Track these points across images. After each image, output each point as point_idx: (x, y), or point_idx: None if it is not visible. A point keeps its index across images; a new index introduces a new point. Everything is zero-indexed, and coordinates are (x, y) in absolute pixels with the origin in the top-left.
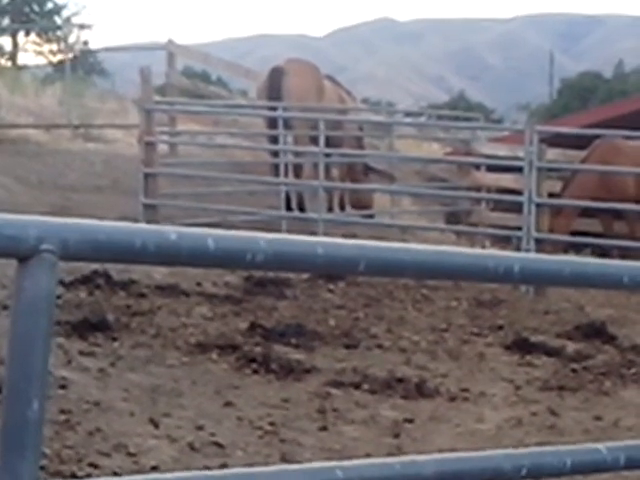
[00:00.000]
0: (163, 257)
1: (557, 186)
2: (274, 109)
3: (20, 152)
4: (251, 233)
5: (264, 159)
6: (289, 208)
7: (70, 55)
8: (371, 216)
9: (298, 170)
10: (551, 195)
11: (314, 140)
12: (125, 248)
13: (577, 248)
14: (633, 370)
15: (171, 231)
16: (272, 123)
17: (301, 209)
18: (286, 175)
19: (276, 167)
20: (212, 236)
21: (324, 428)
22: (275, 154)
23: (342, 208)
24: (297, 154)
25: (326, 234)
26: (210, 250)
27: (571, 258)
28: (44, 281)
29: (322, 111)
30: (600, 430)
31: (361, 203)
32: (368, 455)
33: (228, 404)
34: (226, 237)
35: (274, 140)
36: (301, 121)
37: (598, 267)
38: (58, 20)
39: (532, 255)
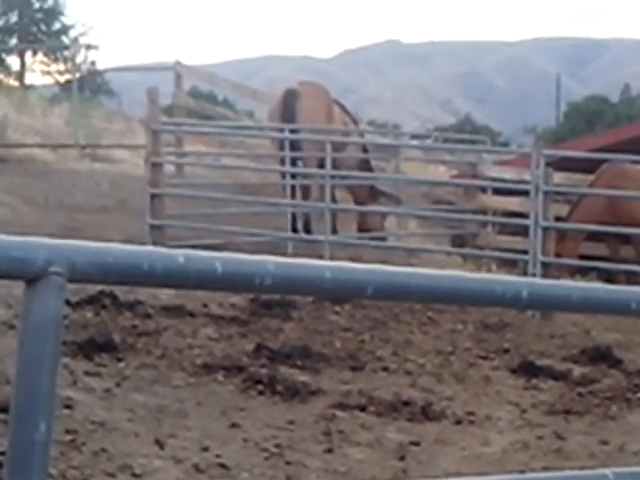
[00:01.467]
0: (171, 280)
1: (563, 210)
2: (288, 131)
3: (27, 172)
4: (259, 257)
5: (270, 181)
6: (295, 230)
7: (77, 75)
8: (383, 239)
9: (306, 192)
10: (558, 219)
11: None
12: (133, 271)
13: (583, 272)
14: (639, 394)
15: (179, 254)
16: (285, 145)
17: (307, 231)
18: (294, 197)
19: (291, 189)
20: (220, 259)
21: (330, 450)
22: (291, 176)
23: (361, 230)
24: (305, 176)
25: (332, 256)
26: (218, 274)
27: (579, 284)
28: (52, 303)
29: (333, 134)
30: (606, 454)
31: (369, 226)
32: (374, 478)
33: (234, 425)
34: (234, 260)
35: (290, 162)
36: (311, 143)
37: (607, 293)
38: (65, 40)
39: (540, 280)
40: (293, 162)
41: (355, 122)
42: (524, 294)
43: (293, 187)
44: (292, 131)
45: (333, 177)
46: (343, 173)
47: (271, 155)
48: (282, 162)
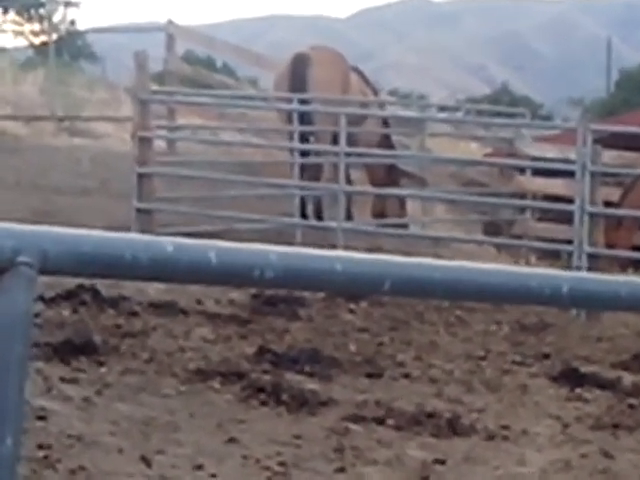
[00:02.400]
0: (157, 272)
1: (614, 194)
2: (298, 102)
3: None
4: (260, 245)
5: (276, 159)
6: (304, 215)
7: (54, 36)
8: (404, 226)
9: (318, 172)
10: (607, 204)
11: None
12: (113, 261)
13: (637, 265)
14: None
15: (167, 242)
16: (294, 118)
17: (318, 217)
18: (303, 177)
19: (301, 168)
20: (214, 249)
21: (341, 469)
22: (301, 154)
23: (378, 216)
24: (317, 154)
25: (347, 246)
26: (212, 265)
27: (629, 278)
28: (20, 298)
29: (349, 105)
30: None
31: (387, 211)
32: None
33: (231, 440)
34: (230, 250)
35: (299, 138)
36: (325, 116)
37: None
38: None
39: (583, 274)
40: (303, 137)
41: (375, 92)
42: (564, 290)
43: (303, 166)
44: (302, 102)
45: (348, 155)
46: (359, 150)
47: (277, 129)
48: (290, 137)
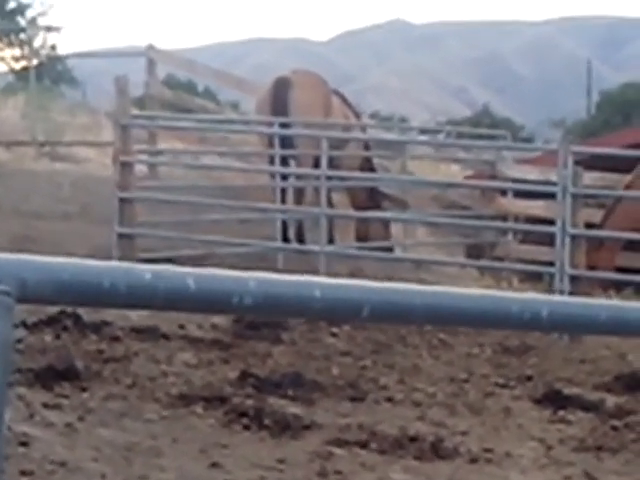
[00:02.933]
0: (136, 299)
1: (595, 215)
2: (279, 125)
3: None
4: (238, 273)
5: (258, 182)
6: (286, 239)
7: (35, 61)
8: (389, 249)
9: (299, 196)
10: (588, 226)
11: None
12: (92, 289)
13: (619, 287)
14: None
15: (145, 270)
16: (275, 142)
17: (300, 240)
18: (285, 201)
19: (282, 191)
20: (193, 275)
21: None
22: (282, 177)
23: (361, 239)
24: (299, 177)
25: (329, 270)
26: (190, 292)
27: (608, 302)
28: None
29: (331, 128)
30: None
31: (371, 234)
32: None
33: (214, 465)
34: (209, 277)
35: (281, 161)
36: (306, 140)
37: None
38: (22, 21)
39: (563, 298)
40: (284, 161)
41: (357, 115)
42: (544, 314)
43: (284, 190)
44: (283, 125)
45: (330, 178)
46: (341, 173)
47: (259, 153)
48: (271, 161)
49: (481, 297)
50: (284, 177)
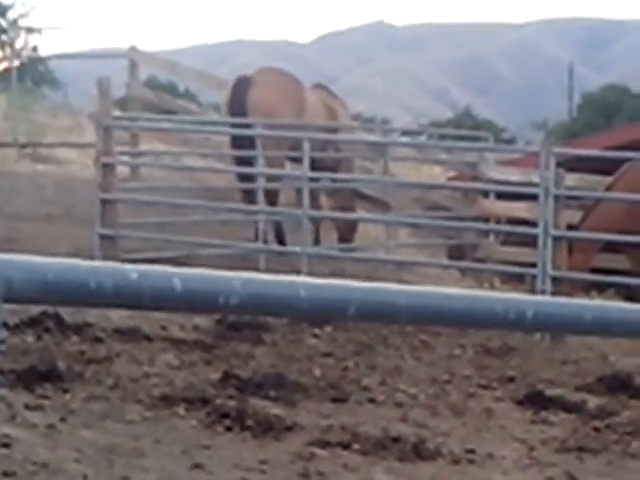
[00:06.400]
0: (122, 299)
1: (577, 217)
2: (232, 126)
3: None
4: (224, 273)
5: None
6: (265, 240)
7: (17, 62)
8: (355, 249)
9: (272, 197)
10: (570, 227)
11: (293, 162)
12: (78, 289)
13: (600, 288)
14: None
15: (131, 270)
16: (236, 142)
17: (280, 241)
18: (251, 202)
19: (246, 193)
20: (179, 276)
21: None
22: (243, 178)
23: (343, 241)
24: (270, 178)
25: (311, 271)
26: (176, 292)
27: (593, 302)
28: None
29: (299, 129)
30: None
31: (343, 234)
32: None
33: (197, 466)
34: (195, 277)
35: (239, 162)
36: (272, 140)
37: (624, 312)
38: (3, 22)
39: (547, 298)
40: (244, 162)
41: (345, 107)
42: (529, 314)
43: (250, 192)
44: (236, 126)
45: (313, 180)
46: (323, 175)
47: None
48: (236, 162)
49: (466, 297)
50: (245, 178)
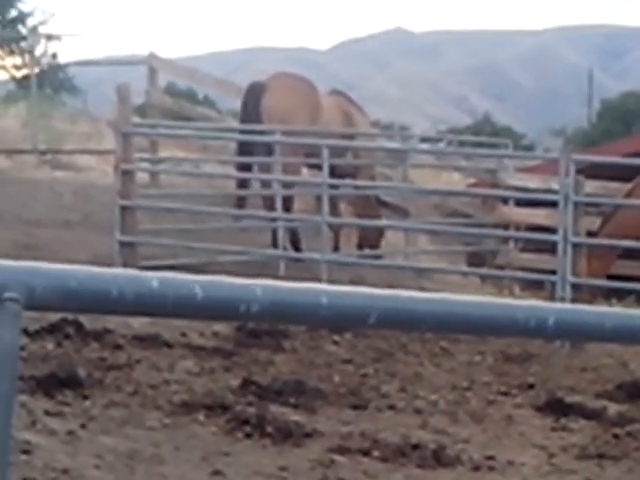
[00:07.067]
0: (143, 307)
1: (597, 223)
2: (242, 132)
3: None
4: (245, 280)
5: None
6: (284, 248)
7: (36, 70)
8: (379, 256)
9: (288, 203)
10: (590, 234)
11: (312, 168)
12: (100, 297)
13: (619, 294)
14: None
15: (153, 278)
16: (244, 149)
17: (296, 248)
18: (274, 209)
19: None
20: (200, 283)
21: None
22: (241, 185)
23: (362, 248)
24: (286, 185)
25: (330, 278)
26: (198, 300)
27: (614, 309)
28: (7, 334)
29: (316, 135)
30: None
31: (370, 242)
32: None
33: (217, 473)
34: (216, 284)
35: (245, 169)
36: (288, 146)
37: None
38: (23, 30)
39: (568, 306)
40: (246, 168)
41: (364, 113)
42: (550, 322)
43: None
44: (245, 132)
45: (334, 187)
46: (342, 182)
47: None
48: (241, 168)
49: (487, 304)
50: (243, 184)
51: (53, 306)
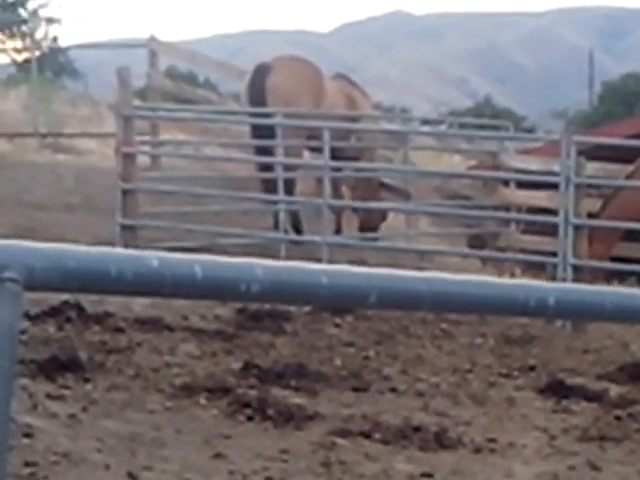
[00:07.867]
0: (143, 287)
1: (598, 205)
2: (251, 115)
3: None
4: (245, 259)
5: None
6: (285, 230)
7: (37, 53)
8: (376, 239)
9: (290, 186)
10: (591, 215)
11: (314, 151)
12: (99, 276)
13: (620, 276)
14: None
15: (152, 257)
16: (255, 131)
17: (298, 230)
18: (270, 191)
19: (265, 182)
20: (200, 263)
21: None
22: (264, 168)
23: (364, 230)
24: (288, 168)
25: (331, 260)
26: (198, 279)
27: (614, 289)
28: (6, 314)
29: (319, 117)
30: None
31: (371, 224)
32: None
33: (218, 456)
34: (216, 264)
35: (259, 151)
36: (291, 129)
37: None
38: (23, 13)
39: (569, 285)
40: (264, 151)
41: (367, 96)
42: (551, 301)
43: (269, 181)
44: (256, 115)
45: (335, 169)
46: (343, 164)
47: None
48: (256, 151)
49: (487, 284)
50: (266, 168)
51: (52, 286)
